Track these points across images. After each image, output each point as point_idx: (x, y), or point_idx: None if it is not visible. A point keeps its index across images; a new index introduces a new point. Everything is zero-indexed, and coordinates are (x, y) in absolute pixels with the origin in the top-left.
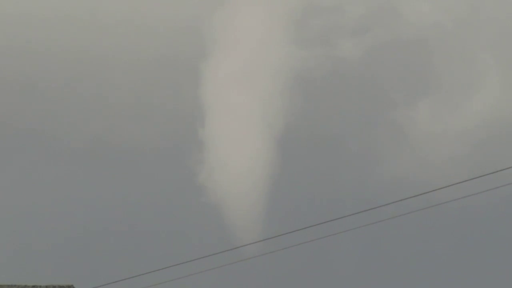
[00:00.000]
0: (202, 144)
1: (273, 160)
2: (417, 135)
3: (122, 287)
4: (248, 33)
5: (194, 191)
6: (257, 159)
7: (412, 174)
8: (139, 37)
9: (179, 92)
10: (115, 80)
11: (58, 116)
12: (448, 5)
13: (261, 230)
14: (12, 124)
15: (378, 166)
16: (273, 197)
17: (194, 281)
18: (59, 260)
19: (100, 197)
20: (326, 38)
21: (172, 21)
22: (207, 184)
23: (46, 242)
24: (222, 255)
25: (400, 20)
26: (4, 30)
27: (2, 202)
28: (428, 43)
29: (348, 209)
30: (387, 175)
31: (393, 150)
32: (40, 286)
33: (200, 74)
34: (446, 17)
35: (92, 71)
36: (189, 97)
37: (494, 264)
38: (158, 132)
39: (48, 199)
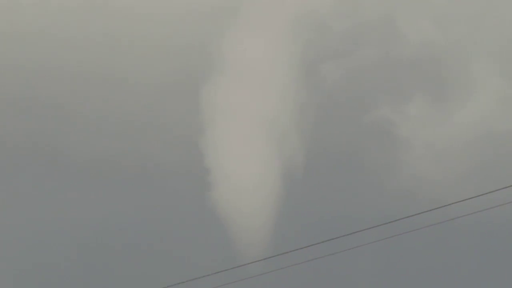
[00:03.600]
0: (209, 160)
1: (281, 178)
2: (419, 151)
3: None
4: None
5: (200, 207)
6: (265, 177)
7: (419, 190)
8: (145, 57)
9: (184, 109)
10: (120, 98)
11: (63, 133)
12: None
13: (268, 247)
14: (17, 141)
15: (385, 181)
16: (282, 214)
17: None
18: (59, 276)
19: (102, 213)
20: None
21: (177, 41)
22: (214, 200)
23: (49, 257)
24: (228, 273)
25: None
26: (6, 47)
27: (6, 217)
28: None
29: (360, 224)
30: (397, 189)
31: (395, 166)
32: None
33: (206, 91)
34: (441, 35)
35: (97, 89)
36: (195, 114)
37: None
38: (164, 149)
39: (50, 216)
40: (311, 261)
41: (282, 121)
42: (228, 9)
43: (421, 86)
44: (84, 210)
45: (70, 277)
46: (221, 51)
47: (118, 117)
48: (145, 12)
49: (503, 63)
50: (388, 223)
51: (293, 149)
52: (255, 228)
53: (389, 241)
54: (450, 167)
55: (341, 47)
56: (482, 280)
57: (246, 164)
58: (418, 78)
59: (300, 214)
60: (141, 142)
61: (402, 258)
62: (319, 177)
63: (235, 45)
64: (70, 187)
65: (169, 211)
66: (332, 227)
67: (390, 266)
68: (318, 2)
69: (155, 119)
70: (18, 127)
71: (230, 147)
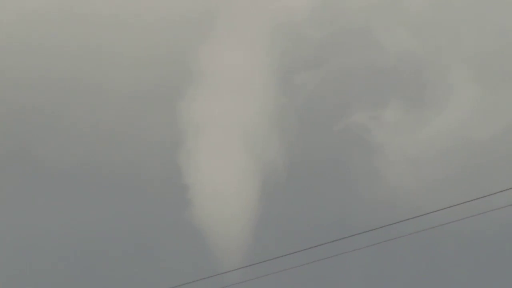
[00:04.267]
0: (188, 168)
1: (260, 186)
2: (397, 159)
3: None
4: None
5: (179, 215)
6: (244, 185)
7: (397, 198)
8: (126, 66)
9: (164, 117)
10: (101, 107)
11: (44, 140)
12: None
13: (248, 255)
14: (2, 146)
15: (364, 188)
16: (261, 222)
17: None
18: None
19: (83, 220)
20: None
21: (156, 50)
22: (193, 208)
23: (31, 264)
24: (207, 281)
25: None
26: None
27: None
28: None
29: (340, 232)
30: (375, 196)
31: (374, 174)
32: None
33: (185, 99)
34: (418, 43)
35: (79, 98)
36: (174, 122)
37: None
38: (144, 157)
39: (32, 223)
40: (290, 269)
41: (261, 129)
42: (206, 19)
43: (398, 94)
44: (65, 217)
45: (51, 284)
46: (198, 60)
47: (100, 125)
48: (126, 22)
49: (480, 72)
50: (368, 231)
51: (271, 157)
52: (234, 236)
53: (371, 249)
54: (425, 175)
55: (318, 55)
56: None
57: (225, 171)
58: (396, 86)
59: (279, 222)
60: (122, 150)
61: (384, 266)
62: (297, 184)
63: (212, 54)
64: (52, 194)
65: (148, 219)
66: (311, 235)
67: (370, 274)
68: (295, 10)
69: (135, 127)
70: (0, 134)
71: (209, 155)
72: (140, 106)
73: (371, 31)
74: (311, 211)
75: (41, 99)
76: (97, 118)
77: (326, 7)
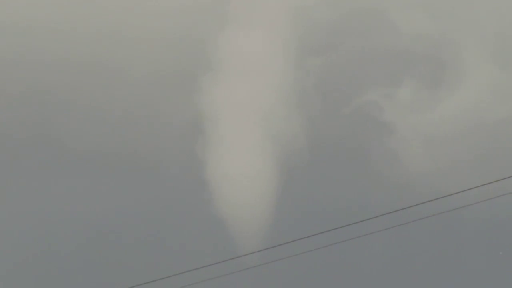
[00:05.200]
0: (206, 153)
1: (278, 170)
2: (414, 139)
3: None
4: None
5: (197, 200)
6: (261, 169)
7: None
8: (143, 51)
9: (181, 102)
10: (118, 91)
11: (61, 124)
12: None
13: (266, 239)
14: (15, 132)
15: (382, 170)
16: (280, 205)
17: None
18: (58, 267)
19: (100, 204)
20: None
21: (173, 35)
22: (211, 193)
23: (48, 249)
24: (225, 264)
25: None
26: (3, 40)
27: (5, 208)
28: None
29: (358, 215)
30: (394, 179)
31: (390, 155)
32: None
33: (202, 84)
34: (432, 25)
35: (96, 82)
36: (191, 107)
37: None
38: (160, 141)
39: (50, 207)
40: (308, 252)
41: (278, 112)
42: (220, 3)
43: (413, 74)
44: (83, 202)
45: (69, 269)
46: (215, 45)
47: (117, 109)
48: (142, 5)
49: (496, 52)
50: (387, 214)
51: (288, 141)
52: (252, 219)
53: (390, 232)
54: (441, 156)
55: (332, 38)
56: (485, 269)
57: (242, 156)
58: (411, 67)
59: (296, 206)
60: (139, 134)
61: (404, 249)
62: (315, 168)
63: (228, 38)
64: (70, 178)
65: (166, 203)
66: (329, 218)
67: (391, 258)
68: None
69: (152, 112)
70: (17, 119)
71: (226, 140)
72: (157, 90)
73: (385, 12)
74: (329, 194)
75: (58, 82)
76: (116, 101)
77: None
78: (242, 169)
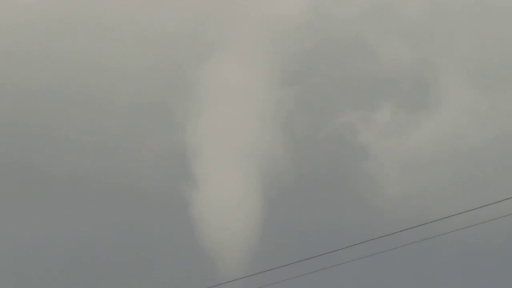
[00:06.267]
0: (189, 179)
1: (261, 196)
2: (393, 165)
3: None
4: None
5: (180, 226)
6: (245, 195)
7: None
8: (124, 80)
9: (164, 128)
10: (99, 116)
11: (42, 150)
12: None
13: (250, 265)
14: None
15: (363, 196)
16: (264, 231)
17: None
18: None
19: (82, 228)
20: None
21: (158, 62)
22: (194, 218)
23: (29, 271)
24: None
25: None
26: None
27: None
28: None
29: (341, 241)
30: (377, 205)
31: (371, 181)
32: None
33: (188, 108)
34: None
35: (77, 107)
36: (172, 135)
37: None
38: (147, 167)
39: (29, 232)
40: (292, 279)
41: (258, 140)
42: (200, 30)
43: (393, 100)
44: (63, 226)
45: None
46: (197, 72)
47: (99, 135)
48: (125, 35)
49: (475, 77)
50: (370, 240)
51: (270, 167)
52: (236, 245)
53: (370, 259)
54: (419, 181)
55: (309, 65)
56: None
57: (226, 182)
58: (391, 92)
59: (281, 231)
60: (121, 160)
61: (385, 275)
62: (298, 194)
63: (208, 66)
64: (50, 203)
65: (148, 229)
66: (313, 244)
67: (374, 283)
68: (288, 19)
69: (135, 138)
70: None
71: (210, 166)
72: (139, 117)
73: (363, 39)
74: (311, 220)
75: (40, 109)
76: (97, 128)
77: (318, 16)
78: (225, 196)
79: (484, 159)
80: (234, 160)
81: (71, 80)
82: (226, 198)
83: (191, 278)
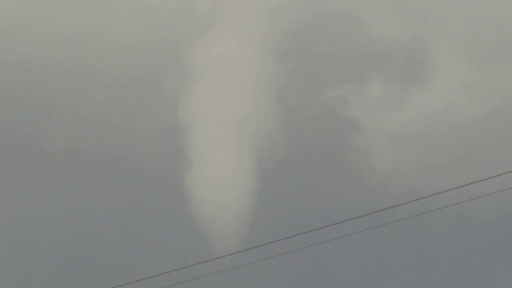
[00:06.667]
0: (183, 154)
1: (256, 170)
2: (387, 140)
3: None
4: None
5: (175, 200)
6: (239, 170)
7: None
8: (119, 54)
9: (159, 103)
10: (94, 91)
11: (36, 124)
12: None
13: (244, 240)
14: None
15: (356, 171)
16: (258, 206)
17: None
18: (35, 268)
19: (76, 204)
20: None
21: (152, 37)
22: (189, 193)
23: (24, 250)
24: (204, 266)
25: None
26: None
27: None
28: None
29: (336, 216)
30: (373, 180)
31: (365, 156)
32: None
33: (178, 87)
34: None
35: (72, 82)
36: (166, 109)
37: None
38: (140, 142)
39: (23, 207)
40: (287, 253)
41: (252, 115)
42: (190, 8)
43: (385, 75)
44: (59, 202)
45: (46, 270)
46: (190, 49)
47: (94, 111)
48: (121, 9)
49: (468, 52)
50: (365, 215)
51: (264, 142)
52: (230, 220)
53: (365, 234)
54: (412, 156)
55: (302, 41)
56: (463, 269)
57: (220, 158)
58: (384, 68)
59: (275, 207)
60: (116, 136)
61: (381, 250)
62: (290, 169)
63: (200, 43)
64: (47, 179)
65: (143, 204)
66: (306, 220)
67: (368, 258)
68: None
69: (130, 114)
70: None
71: (203, 141)
72: (135, 93)
73: (355, 14)
74: (305, 195)
75: (32, 82)
76: (89, 101)
77: None
78: (219, 171)
79: (477, 134)
80: (227, 134)
81: (64, 53)
82: (220, 173)
83: (186, 254)
